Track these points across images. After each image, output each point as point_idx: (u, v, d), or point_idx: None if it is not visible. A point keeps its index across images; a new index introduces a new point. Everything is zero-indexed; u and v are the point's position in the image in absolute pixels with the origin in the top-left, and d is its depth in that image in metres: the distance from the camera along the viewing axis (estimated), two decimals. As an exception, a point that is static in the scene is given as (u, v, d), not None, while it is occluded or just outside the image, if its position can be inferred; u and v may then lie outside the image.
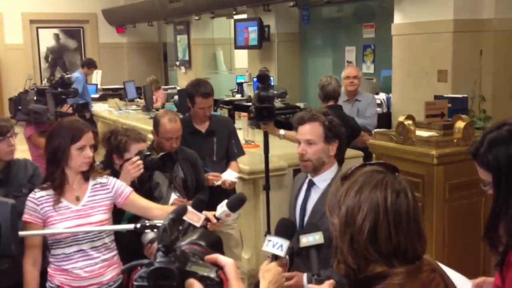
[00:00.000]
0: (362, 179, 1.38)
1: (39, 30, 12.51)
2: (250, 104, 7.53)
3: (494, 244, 1.74)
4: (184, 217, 2.12)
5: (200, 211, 2.23)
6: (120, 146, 2.93)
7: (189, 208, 2.19)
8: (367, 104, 5.15)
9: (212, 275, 1.01)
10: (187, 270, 1.00)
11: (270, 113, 3.57)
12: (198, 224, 2.12)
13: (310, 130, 2.43)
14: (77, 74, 8.67)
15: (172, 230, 1.02)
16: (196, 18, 10.00)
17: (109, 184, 2.63)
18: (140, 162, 2.81)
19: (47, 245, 2.59)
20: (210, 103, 3.71)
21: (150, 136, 3.53)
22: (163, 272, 0.97)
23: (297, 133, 2.49)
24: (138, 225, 2.26)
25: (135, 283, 0.99)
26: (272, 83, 3.67)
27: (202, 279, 1.00)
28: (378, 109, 5.73)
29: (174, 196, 3.17)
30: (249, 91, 8.19)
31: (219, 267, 1.05)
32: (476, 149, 1.76)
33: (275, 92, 3.64)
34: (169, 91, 9.47)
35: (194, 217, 2.14)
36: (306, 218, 2.46)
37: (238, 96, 8.73)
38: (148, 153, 2.91)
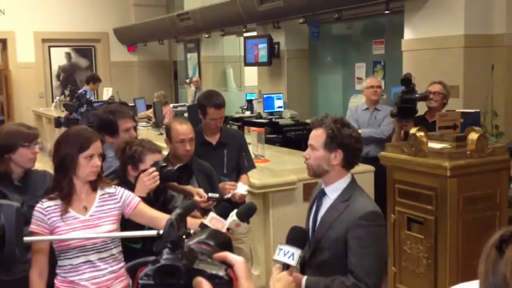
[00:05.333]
0: None
1: (51, 49, 12.65)
2: (260, 120, 7.62)
3: None
4: (208, 223, 2.08)
5: (225, 218, 2.18)
6: (135, 156, 2.84)
7: (214, 214, 2.14)
8: (385, 114, 5.14)
9: (221, 273, 0.96)
10: (195, 268, 0.95)
11: (411, 113, 4.24)
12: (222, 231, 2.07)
13: (313, 136, 2.39)
14: (81, 91, 8.79)
15: (179, 225, 0.98)
16: (206, 36, 10.08)
17: (117, 194, 2.59)
18: (156, 173, 2.75)
19: (54, 259, 2.56)
20: (222, 114, 3.70)
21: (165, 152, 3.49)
22: (170, 270, 0.93)
23: None
24: (161, 232, 2.20)
25: (140, 281, 0.94)
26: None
27: (210, 277, 0.95)
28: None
29: None
30: (259, 108, 8.18)
31: (228, 265, 1.00)
32: None
33: (417, 95, 4.20)
34: (179, 108, 9.50)
35: (218, 224, 2.09)
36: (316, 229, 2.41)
37: (247, 113, 8.73)
38: (164, 164, 2.84)
